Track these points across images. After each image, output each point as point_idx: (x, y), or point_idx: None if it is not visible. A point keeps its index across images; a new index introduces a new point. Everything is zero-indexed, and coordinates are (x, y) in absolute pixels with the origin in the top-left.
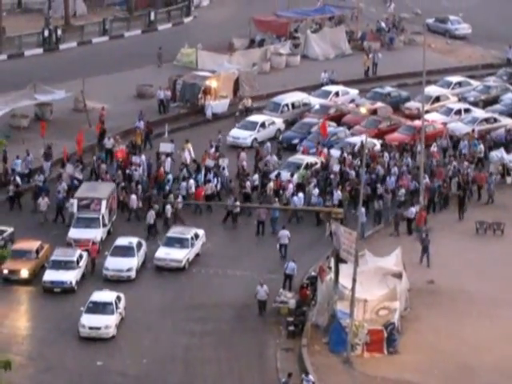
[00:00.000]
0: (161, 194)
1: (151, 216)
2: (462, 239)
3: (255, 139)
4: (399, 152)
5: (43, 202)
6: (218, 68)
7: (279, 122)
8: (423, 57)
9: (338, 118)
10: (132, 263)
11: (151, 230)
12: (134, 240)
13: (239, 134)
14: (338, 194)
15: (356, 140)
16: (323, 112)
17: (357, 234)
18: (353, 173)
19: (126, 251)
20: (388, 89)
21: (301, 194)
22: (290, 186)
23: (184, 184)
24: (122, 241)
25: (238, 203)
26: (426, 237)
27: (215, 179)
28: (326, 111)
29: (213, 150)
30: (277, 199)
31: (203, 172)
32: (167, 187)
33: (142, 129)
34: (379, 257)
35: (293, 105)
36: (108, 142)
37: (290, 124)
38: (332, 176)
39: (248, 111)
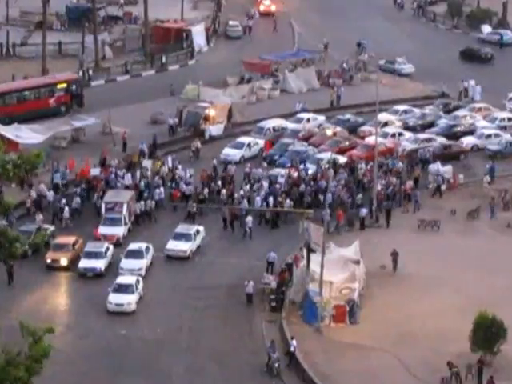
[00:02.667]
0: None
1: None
2: (407, 233)
3: (243, 156)
4: (350, 168)
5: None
6: (215, 99)
7: (262, 143)
8: (376, 90)
9: (307, 139)
10: (142, 264)
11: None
12: (143, 245)
13: (230, 152)
14: (288, 203)
15: (323, 156)
16: (294, 134)
17: (323, 230)
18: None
19: (137, 254)
20: (348, 116)
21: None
22: (262, 194)
23: (157, 190)
24: (133, 246)
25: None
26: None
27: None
28: (297, 133)
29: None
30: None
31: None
32: (145, 194)
33: (145, 150)
34: (342, 247)
35: (274, 128)
36: (113, 162)
37: (271, 144)
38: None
39: (197, 152)
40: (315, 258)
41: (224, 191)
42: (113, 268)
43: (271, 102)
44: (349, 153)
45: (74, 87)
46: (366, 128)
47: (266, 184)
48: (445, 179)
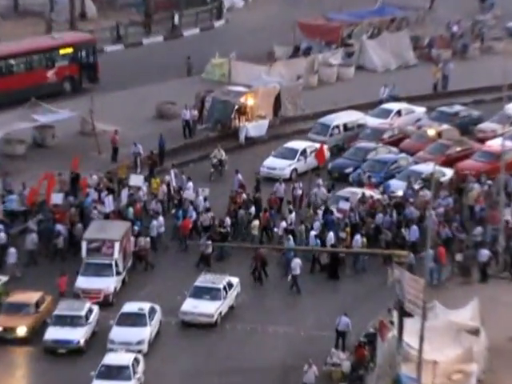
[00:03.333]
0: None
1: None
2: None
3: (295, 170)
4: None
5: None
6: (254, 82)
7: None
8: (504, 67)
9: (397, 143)
10: (143, 334)
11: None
12: (145, 306)
13: (276, 164)
14: (357, 239)
15: (422, 169)
16: (376, 136)
17: (425, 282)
18: (381, 215)
19: (136, 320)
20: (456, 107)
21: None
22: (316, 225)
23: (155, 222)
24: (130, 307)
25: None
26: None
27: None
28: (380, 135)
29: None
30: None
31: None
32: (135, 227)
33: (143, 156)
34: (451, 309)
35: (345, 126)
36: (91, 179)
37: (340, 150)
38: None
39: (222, 165)
40: (411, 326)
41: (256, 223)
42: (98, 341)
43: (342, 85)
44: (460, 164)
45: (83, 53)
46: (487, 126)
47: (320, 212)
48: None
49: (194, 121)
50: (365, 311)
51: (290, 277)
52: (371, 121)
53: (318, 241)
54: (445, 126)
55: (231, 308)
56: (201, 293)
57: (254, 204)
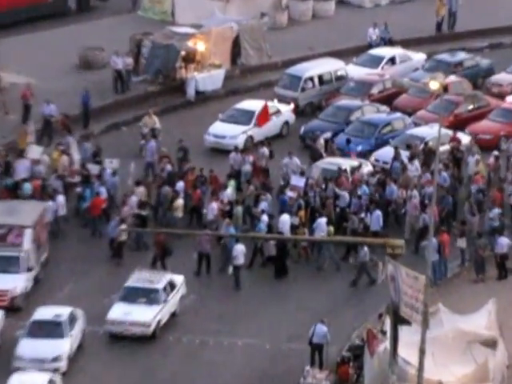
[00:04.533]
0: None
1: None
2: None
3: (250, 138)
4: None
5: None
6: (206, 22)
7: (287, 111)
8: None
9: (389, 99)
10: (61, 348)
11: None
12: (64, 311)
13: (224, 131)
14: (320, 224)
15: (423, 132)
16: (362, 91)
17: (426, 280)
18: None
19: (51, 329)
20: (460, 55)
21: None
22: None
23: (50, 203)
24: (43, 313)
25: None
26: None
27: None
28: (367, 89)
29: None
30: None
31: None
32: None
33: (56, 119)
34: (461, 314)
35: (321, 79)
36: None
37: (315, 109)
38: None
39: (154, 136)
40: (408, 337)
41: (180, 202)
42: (1, 357)
43: (319, 24)
44: (473, 126)
45: None
46: (503, 77)
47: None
48: None
49: (127, 71)
50: (348, 317)
51: (230, 269)
52: (356, 71)
53: (262, 226)
54: (452, 77)
55: (174, 315)
56: (134, 295)
57: (180, 179)
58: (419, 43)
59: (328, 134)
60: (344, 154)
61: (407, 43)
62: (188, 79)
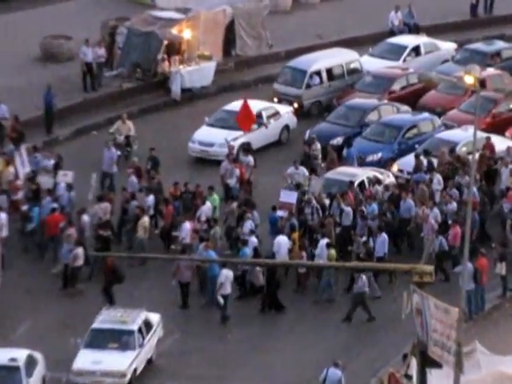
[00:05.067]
0: None
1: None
2: None
3: (245, 144)
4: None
5: None
6: (194, 4)
7: (287, 113)
8: None
9: (413, 98)
10: None
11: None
12: (20, 355)
13: (212, 137)
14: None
15: (455, 136)
16: (381, 87)
17: (460, 313)
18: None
19: (5, 376)
20: (497, 44)
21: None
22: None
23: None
24: None
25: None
26: None
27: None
28: (387, 85)
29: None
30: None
31: None
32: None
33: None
34: (502, 355)
35: (330, 73)
36: None
37: (322, 109)
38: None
39: (129, 144)
40: (438, 382)
41: (145, 220)
42: None
43: (329, 8)
44: None
45: None
46: None
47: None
48: None
49: (99, 64)
50: (366, 359)
51: (221, 299)
52: (373, 63)
53: (247, 250)
54: (490, 70)
55: (150, 362)
56: (104, 339)
57: (152, 192)
58: (449, 30)
59: (339, 140)
60: (362, 162)
61: (435, 30)
62: (172, 74)
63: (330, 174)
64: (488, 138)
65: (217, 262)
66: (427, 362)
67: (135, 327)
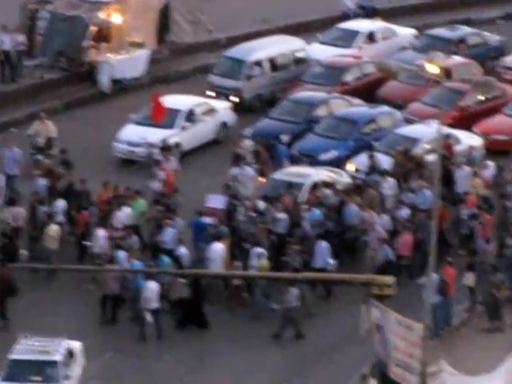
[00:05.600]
0: None
1: None
2: None
3: (177, 145)
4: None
5: None
6: None
7: (224, 109)
8: None
9: (369, 90)
10: None
11: None
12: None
13: (140, 137)
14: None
15: (418, 132)
16: (332, 78)
17: (424, 329)
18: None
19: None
20: (462, 30)
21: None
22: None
23: None
24: None
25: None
26: None
27: None
28: (339, 76)
29: None
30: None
31: None
32: None
33: None
34: (471, 375)
35: (273, 63)
36: None
37: (265, 104)
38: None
39: (49, 146)
40: None
41: (53, 229)
42: None
43: None
44: (485, 123)
45: None
46: None
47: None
48: None
49: (18, 52)
50: (320, 381)
51: (148, 316)
52: (323, 52)
53: (166, 259)
54: (457, 59)
55: None
56: (24, 372)
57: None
58: (409, 14)
59: (285, 138)
60: (314, 161)
61: (393, 14)
62: (100, 63)
63: (278, 175)
64: (447, 136)
65: (144, 273)
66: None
67: (59, 357)
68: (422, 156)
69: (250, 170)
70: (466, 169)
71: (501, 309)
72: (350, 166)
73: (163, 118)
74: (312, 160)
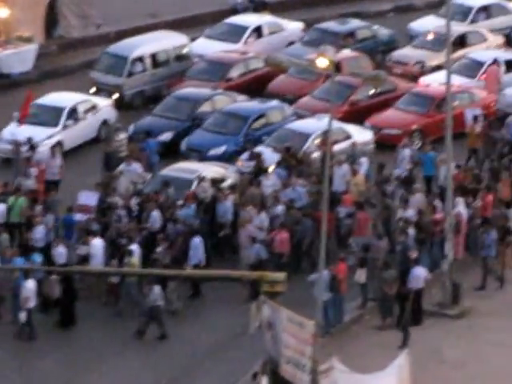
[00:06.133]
0: None
1: None
2: None
3: (59, 144)
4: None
5: None
6: None
7: (106, 106)
8: None
9: (255, 85)
10: None
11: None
12: None
13: (23, 136)
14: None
15: (308, 126)
16: (217, 74)
17: (315, 326)
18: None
19: None
20: (351, 23)
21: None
22: None
23: None
24: None
25: None
26: None
27: None
28: (224, 72)
29: None
30: None
31: None
32: None
33: None
34: (363, 373)
35: (155, 59)
36: None
37: (148, 101)
38: None
39: None
40: None
41: None
42: None
43: None
44: (376, 117)
45: None
46: (407, 53)
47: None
48: None
49: None
50: (210, 380)
51: (23, 315)
52: (210, 47)
53: (37, 257)
54: (347, 52)
55: None
56: None
57: None
58: (300, 7)
59: (168, 135)
60: (202, 157)
61: (283, 7)
62: None
63: (167, 171)
64: (325, 133)
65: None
66: (279, 382)
67: None
68: (305, 153)
69: (137, 167)
70: (345, 167)
71: (392, 306)
72: (240, 162)
73: (26, 117)
74: (200, 155)
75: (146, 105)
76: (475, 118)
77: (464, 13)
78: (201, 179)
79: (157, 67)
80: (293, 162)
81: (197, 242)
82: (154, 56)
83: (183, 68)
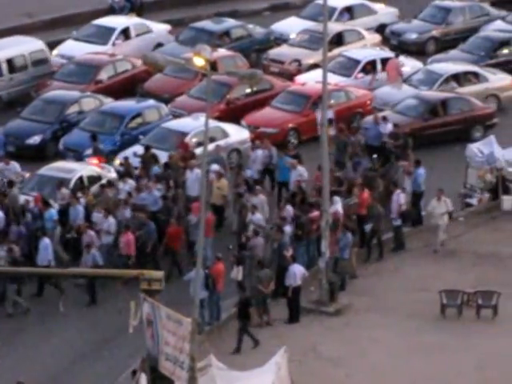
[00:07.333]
0: None
1: None
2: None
3: None
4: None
5: None
6: None
7: None
8: None
9: (124, 87)
10: None
11: None
12: None
13: None
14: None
15: (186, 125)
16: (84, 76)
17: (193, 324)
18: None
19: None
20: (226, 23)
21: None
22: None
23: None
24: None
25: None
26: None
27: None
28: (93, 75)
29: None
30: None
31: None
32: None
33: None
34: (240, 370)
35: (11, 64)
36: None
37: (5, 105)
38: None
39: None
40: None
41: None
42: None
43: None
44: (251, 116)
45: None
46: (283, 51)
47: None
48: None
49: None
50: (90, 377)
51: None
52: (78, 49)
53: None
54: (222, 51)
55: None
56: None
57: None
58: (175, 6)
59: (36, 139)
60: (79, 156)
61: (159, 7)
62: None
63: (44, 170)
64: (182, 135)
65: None
66: (158, 379)
67: None
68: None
69: (16, 166)
70: (196, 171)
71: (268, 303)
72: (117, 161)
73: None
74: (77, 155)
75: (3, 110)
76: (330, 122)
77: (328, 13)
78: (59, 185)
79: (13, 72)
80: (152, 161)
81: (46, 242)
82: (9, 61)
83: (41, 73)
